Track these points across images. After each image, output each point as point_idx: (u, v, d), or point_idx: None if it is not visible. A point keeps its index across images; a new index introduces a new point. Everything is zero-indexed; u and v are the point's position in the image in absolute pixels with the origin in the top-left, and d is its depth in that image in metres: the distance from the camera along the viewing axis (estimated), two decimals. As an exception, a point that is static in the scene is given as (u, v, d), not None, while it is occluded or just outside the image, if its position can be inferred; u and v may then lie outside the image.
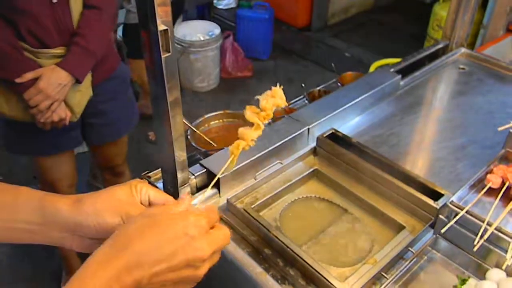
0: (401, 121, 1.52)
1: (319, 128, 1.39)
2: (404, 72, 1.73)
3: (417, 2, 5.34)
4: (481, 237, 0.88)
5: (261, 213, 1.18)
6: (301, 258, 0.99)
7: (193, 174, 1.21)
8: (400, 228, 1.09)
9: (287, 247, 1.02)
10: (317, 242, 1.11)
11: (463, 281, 0.88)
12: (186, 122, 1.53)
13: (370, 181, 1.22)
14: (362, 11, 5.44)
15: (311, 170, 1.29)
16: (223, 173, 0.92)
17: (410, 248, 0.99)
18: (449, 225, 0.93)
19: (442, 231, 0.95)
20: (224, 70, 4.05)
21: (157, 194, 0.73)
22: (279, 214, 1.19)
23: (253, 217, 1.10)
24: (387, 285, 0.90)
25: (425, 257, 1.00)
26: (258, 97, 0.90)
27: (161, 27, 0.88)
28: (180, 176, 1.14)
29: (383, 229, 1.14)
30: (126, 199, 0.70)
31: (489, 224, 0.90)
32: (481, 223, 0.90)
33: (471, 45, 3.93)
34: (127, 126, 1.98)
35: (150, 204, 0.73)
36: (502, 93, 1.67)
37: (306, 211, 1.22)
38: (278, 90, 0.90)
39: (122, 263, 0.58)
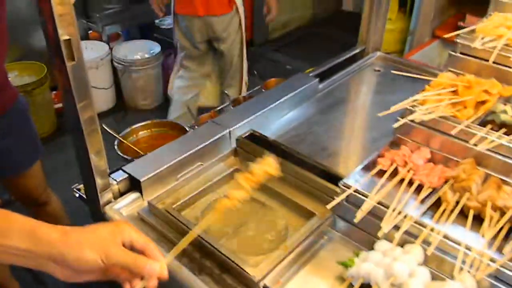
0: (320, 121, 1.62)
1: (240, 131, 1.47)
2: (324, 76, 1.84)
3: (351, 13, 5.60)
4: (365, 210, 0.97)
5: (182, 213, 1.23)
6: (216, 249, 1.05)
7: (115, 180, 1.25)
8: (311, 215, 1.17)
9: (203, 239, 1.07)
10: (236, 235, 1.18)
11: (356, 255, 0.96)
12: (113, 133, 1.57)
13: (286, 175, 1.30)
14: (301, 25, 5.65)
15: (232, 169, 1.36)
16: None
17: (316, 232, 1.08)
18: (335, 202, 1.01)
19: (328, 207, 1.03)
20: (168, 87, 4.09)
21: (138, 237, 0.78)
22: (200, 213, 1.25)
23: (172, 216, 1.15)
24: (289, 263, 0.98)
25: (326, 237, 1.08)
26: (251, 163, 0.95)
27: (63, 37, 0.93)
28: (100, 182, 1.18)
29: (298, 218, 1.21)
30: (109, 237, 0.74)
31: (379, 202, 1.00)
32: (365, 198, 1.00)
33: (400, 52, 4.16)
34: (29, 161, 1.88)
35: (131, 246, 0.77)
36: (412, 91, 1.80)
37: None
38: (268, 159, 0.95)
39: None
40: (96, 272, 0.75)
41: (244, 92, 2.96)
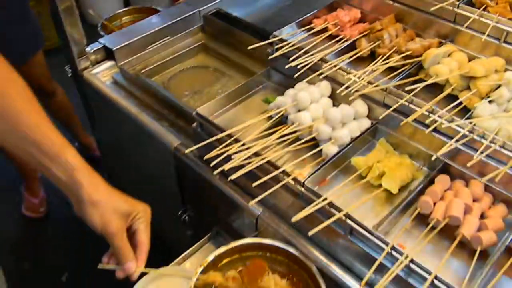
0: (291, 4, 1.70)
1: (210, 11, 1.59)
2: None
3: None
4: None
5: (152, 79, 1.41)
6: (172, 100, 1.24)
7: (92, 49, 1.42)
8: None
9: (162, 94, 1.26)
10: (198, 94, 1.35)
11: (281, 94, 1.12)
12: (96, 16, 1.72)
13: (243, 46, 1.43)
14: None
15: (199, 44, 1.51)
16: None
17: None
18: (256, 44, 1.16)
19: (249, 48, 1.17)
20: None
21: (143, 232, 0.78)
22: (167, 79, 1.42)
23: (141, 78, 1.33)
24: (222, 101, 1.16)
25: (260, 86, 1.24)
26: None
27: None
28: (75, 50, 1.37)
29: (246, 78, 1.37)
30: (121, 216, 0.75)
31: (304, 51, 1.13)
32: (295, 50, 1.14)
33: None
34: (31, 49, 2.02)
35: (133, 234, 0.78)
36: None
37: (192, 77, 1.45)
38: None
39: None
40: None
41: None
